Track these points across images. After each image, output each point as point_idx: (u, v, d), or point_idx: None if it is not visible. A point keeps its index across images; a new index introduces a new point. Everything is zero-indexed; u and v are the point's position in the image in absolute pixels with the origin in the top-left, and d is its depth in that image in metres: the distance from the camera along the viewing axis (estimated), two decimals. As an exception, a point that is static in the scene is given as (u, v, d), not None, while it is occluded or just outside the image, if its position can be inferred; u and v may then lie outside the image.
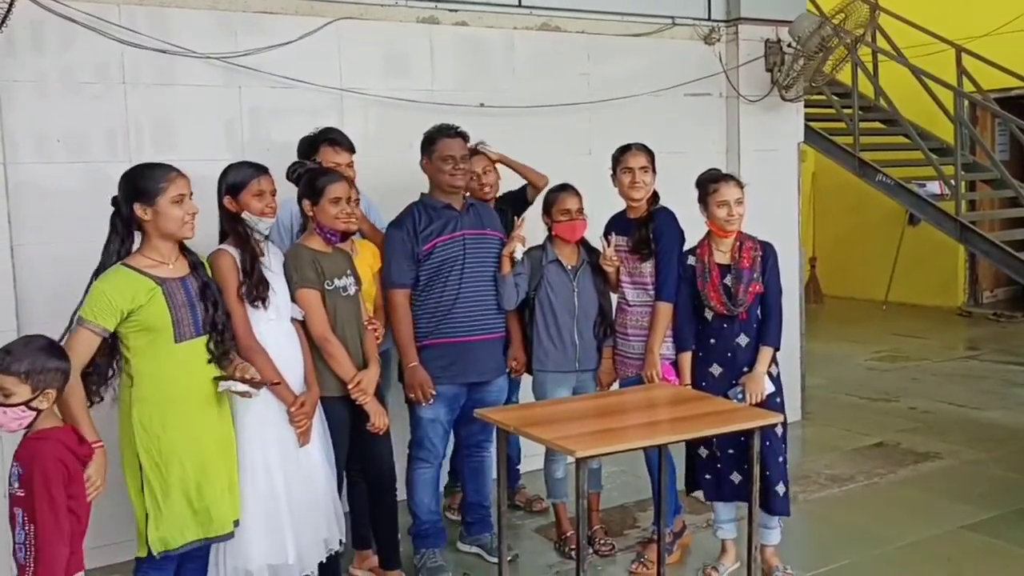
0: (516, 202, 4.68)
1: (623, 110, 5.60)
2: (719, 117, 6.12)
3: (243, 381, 3.09)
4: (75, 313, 3.00)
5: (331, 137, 4.10)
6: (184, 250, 3.18)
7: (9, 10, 3.76)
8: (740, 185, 4.02)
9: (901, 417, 6.70)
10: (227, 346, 3.16)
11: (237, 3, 4.56)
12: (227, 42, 4.53)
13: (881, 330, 9.97)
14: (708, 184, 4.00)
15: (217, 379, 3.11)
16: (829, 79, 6.67)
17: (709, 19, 6.02)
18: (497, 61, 5.34)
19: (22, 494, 2.73)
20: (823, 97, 8.60)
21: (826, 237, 11.96)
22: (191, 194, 3.10)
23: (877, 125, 9.41)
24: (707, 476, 4.09)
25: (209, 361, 3.11)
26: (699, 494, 4.26)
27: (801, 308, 6.54)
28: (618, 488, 5.17)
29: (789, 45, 6.05)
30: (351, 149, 4.16)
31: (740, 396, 3.94)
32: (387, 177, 4.58)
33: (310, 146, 4.12)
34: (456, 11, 5.17)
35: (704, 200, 4.01)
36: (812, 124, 8.40)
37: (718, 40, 6.03)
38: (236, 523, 3.24)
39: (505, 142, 5.22)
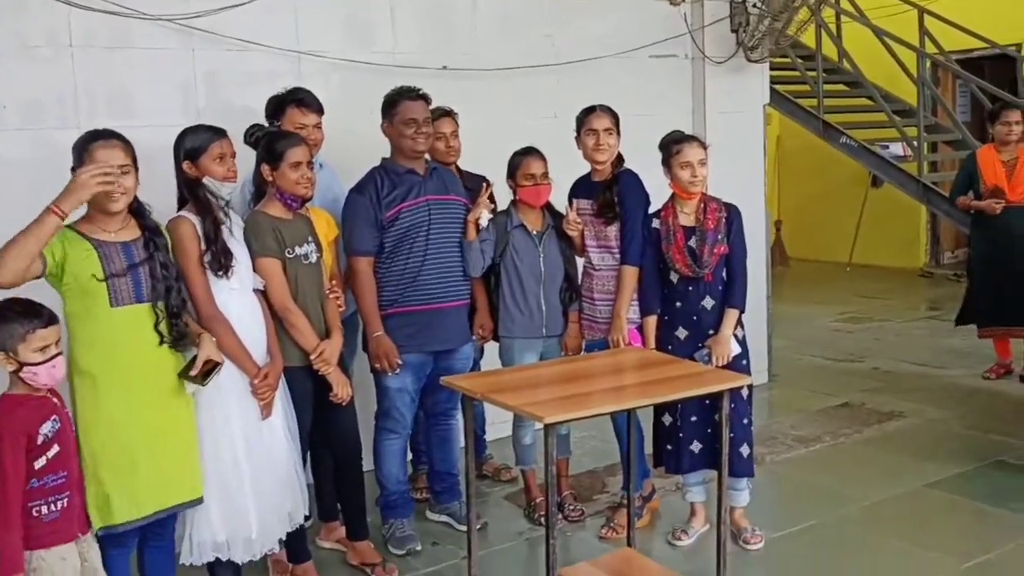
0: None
1: (588, 72, 5.52)
2: (685, 79, 6.06)
3: (203, 374, 3.03)
4: None
5: (298, 98, 3.99)
6: (140, 216, 3.07)
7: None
8: (703, 146, 3.98)
9: (866, 377, 6.75)
10: (181, 327, 3.06)
11: (186, -37, 4.42)
12: (180, 4, 4.38)
13: (845, 291, 10.04)
14: (671, 146, 3.96)
15: (181, 377, 3.05)
16: (793, 41, 6.64)
17: (674, -21, 5.95)
18: (460, 23, 5.23)
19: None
20: (788, 60, 8.59)
21: (791, 200, 12.00)
22: (124, 166, 2.95)
23: (841, 87, 9.42)
24: (668, 447, 4.07)
25: (157, 332, 3.01)
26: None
27: (768, 270, 6.56)
28: (587, 453, 5.16)
29: (754, 5, 5.99)
30: (319, 110, 4.05)
31: (706, 359, 3.93)
32: (348, 143, 4.47)
33: (277, 107, 4.00)
34: (418, -29, 5.06)
35: (667, 162, 3.97)
36: (777, 87, 8.37)
37: (683, 0, 5.95)
38: (197, 501, 3.17)
39: (469, 106, 5.12)
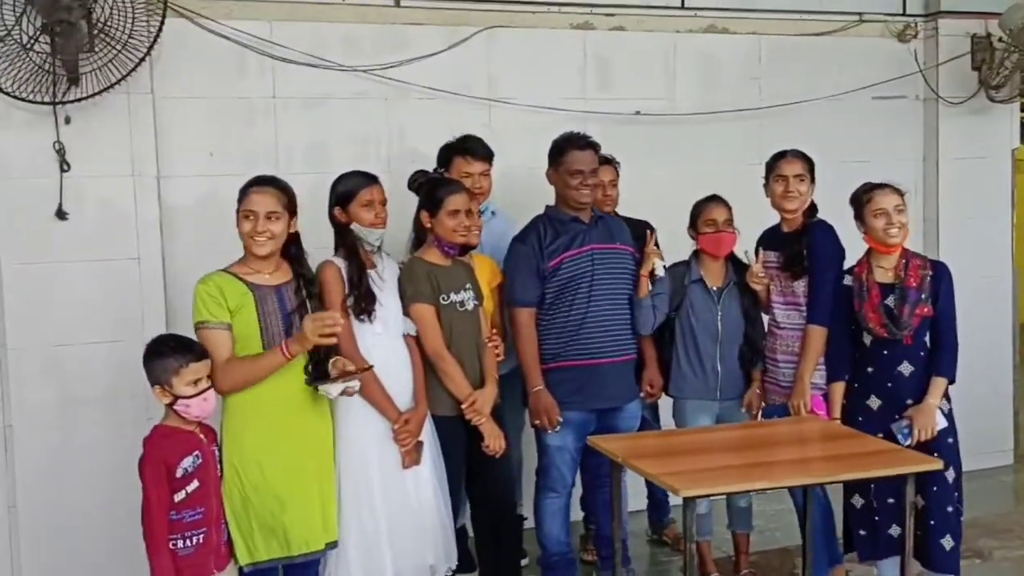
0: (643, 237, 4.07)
1: (800, 116, 5.14)
2: (914, 122, 5.52)
3: (337, 378, 3.00)
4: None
5: (465, 147, 3.99)
6: (294, 261, 3.14)
7: (160, 30, 3.92)
8: (899, 192, 3.54)
9: None
10: (325, 365, 3.07)
11: (386, 16, 4.56)
12: (375, 55, 4.52)
13: None
14: (861, 196, 3.56)
15: (309, 383, 3.05)
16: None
17: (904, 14, 5.44)
18: (656, 67, 5.04)
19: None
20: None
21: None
22: (272, 212, 3.03)
23: None
24: (861, 531, 3.61)
25: (307, 378, 3.04)
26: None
27: (1015, 338, 5.76)
28: (783, 528, 4.70)
29: (1000, 40, 5.35)
30: (486, 158, 4.02)
31: (906, 431, 3.46)
32: (535, 189, 4.40)
33: (445, 155, 4.03)
34: (613, 15, 4.93)
35: (860, 215, 3.57)
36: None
37: (914, 36, 5.43)
38: (332, 544, 3.15)
39: (663, 153, 4.97)
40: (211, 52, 4.26)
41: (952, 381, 3.53)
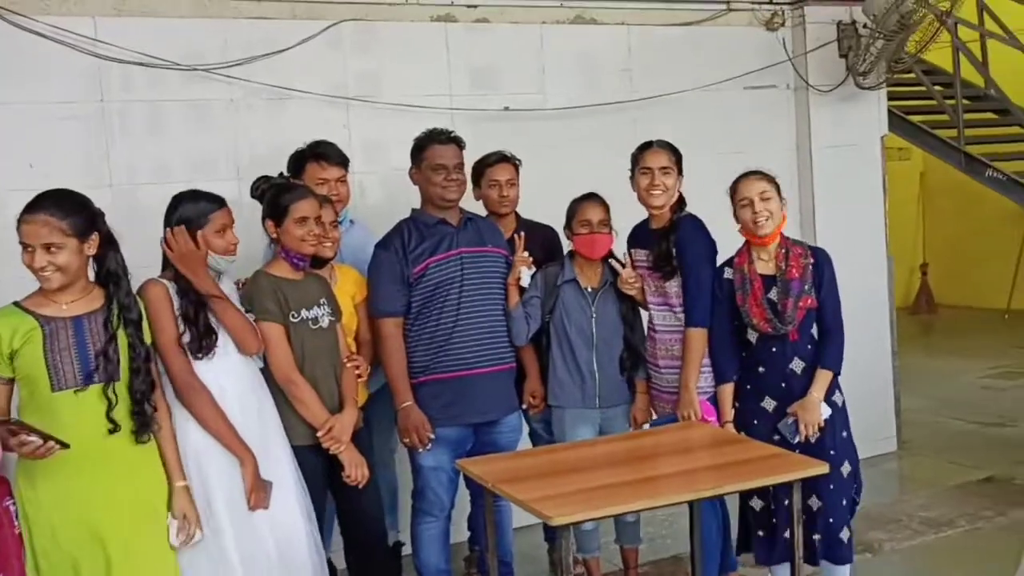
0: (545, 244, 3.93)
1: (671, 107, 5.00)
2: (786, 111, 5.45)
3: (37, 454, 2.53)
4: None
5: (317, 152, 3.69)
6: (109, 284, 2.72)
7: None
8: (767, 179, 3.39)
9: (1018, 446, 5.81)
10: (145, 414, 2.69)
11: (227, 10, 4.20)
12: (217, 52, 4.17)
13: (1001, 343, 8.94)
14: (731, 187, 3.41)
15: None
16: (917, 60, 5.89)
17: (771, 2, 5.37)
18: (524, 60, 4.82)
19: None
20: (924, 88, 7.77)
21: (938, 241, 10.97)
22: (49, 244, 2.59)
23: (989, 116, 8.46)
24: (760, 533, 3.47)
25: (109, 420, 2.65)
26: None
27: (891, 323, 5.76)
28: (675, 535, 4.55)
29: (864, 26, 5.33)
30: (342, 163, 3.74)
31: (793, 428, 3.32)
32: (398, 192, 4.13)
33: (297, 161, 3.73)
34: (475, 7, 4.68)
35: (734, 207, 3.42)
36: (912, 117, 7.59)
37: (781, 24, 5.37)
38: None
39: (533, 149, 4.71)
40: (26, 53, 3.84)
41: (838, 373, 3.41)
